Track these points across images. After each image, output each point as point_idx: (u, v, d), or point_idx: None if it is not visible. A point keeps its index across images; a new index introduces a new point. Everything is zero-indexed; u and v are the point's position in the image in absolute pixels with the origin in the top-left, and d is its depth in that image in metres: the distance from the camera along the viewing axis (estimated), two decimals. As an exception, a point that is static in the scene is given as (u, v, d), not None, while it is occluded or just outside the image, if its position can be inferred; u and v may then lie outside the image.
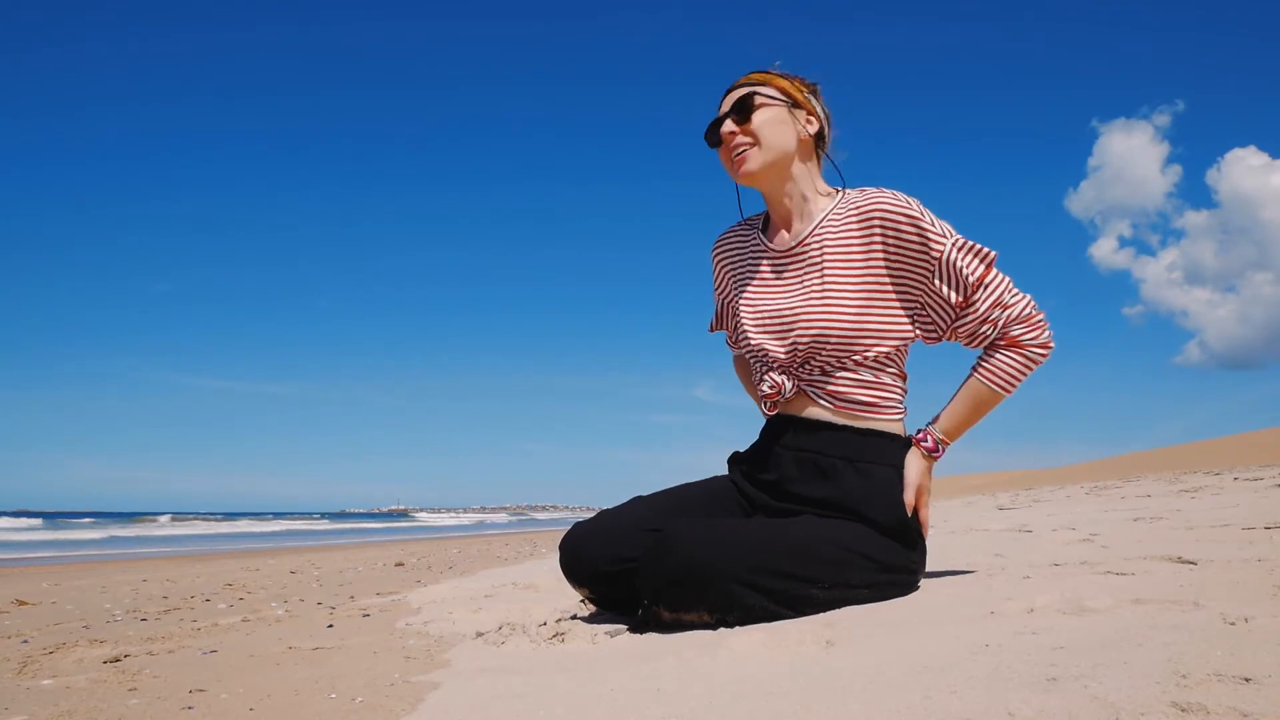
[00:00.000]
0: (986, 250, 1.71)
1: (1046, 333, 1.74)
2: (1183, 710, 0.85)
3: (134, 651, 1.83)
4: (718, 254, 2.00)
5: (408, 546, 9.26)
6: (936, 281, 1.72)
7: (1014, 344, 1.73)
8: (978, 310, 1.73)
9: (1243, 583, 1.53)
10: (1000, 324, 1.72)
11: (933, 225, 1.71)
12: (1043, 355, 1.75)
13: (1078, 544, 2.61)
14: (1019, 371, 1.74)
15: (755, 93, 1.80)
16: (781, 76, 1.84)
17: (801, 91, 1.84)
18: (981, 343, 1.76)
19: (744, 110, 1.79)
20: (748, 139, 1.79)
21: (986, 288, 1.72)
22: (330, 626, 2.13)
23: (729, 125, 1.80)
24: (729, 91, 1.85)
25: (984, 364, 1.75)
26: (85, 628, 2.46)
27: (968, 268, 1.70)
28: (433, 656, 1.58)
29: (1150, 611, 1.33)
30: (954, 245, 1.70)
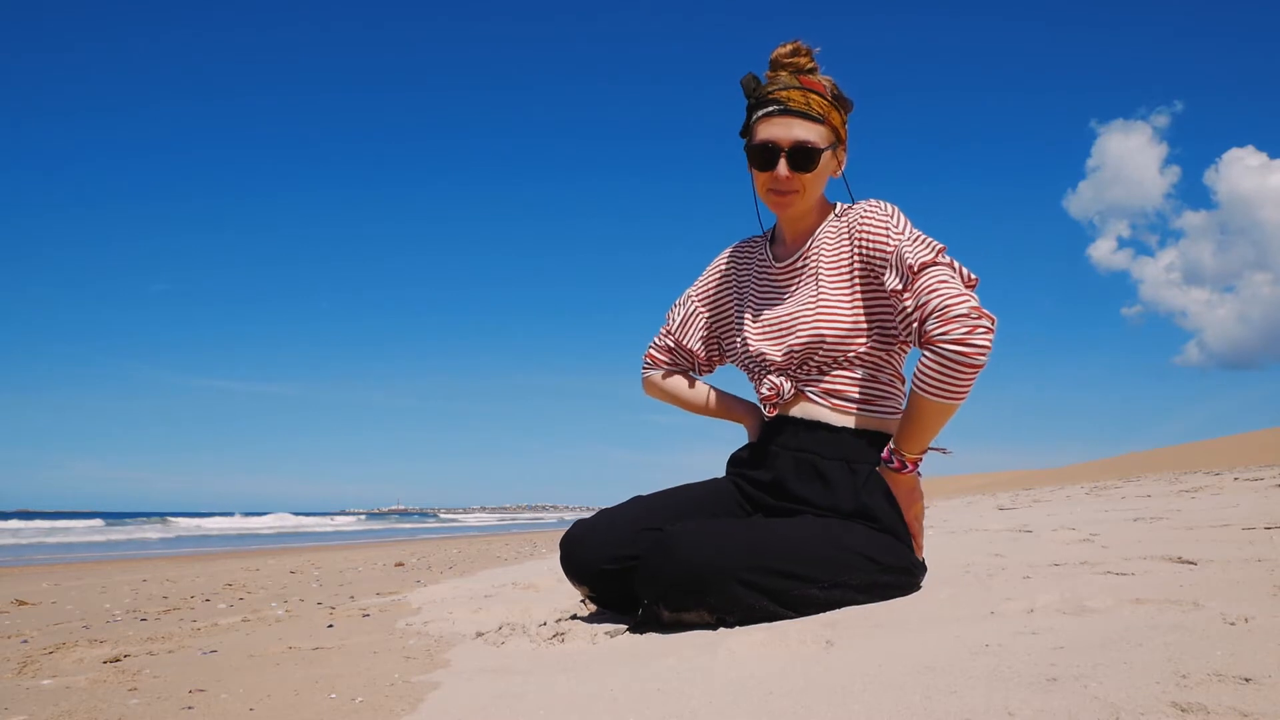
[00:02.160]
0: (935, 243, 1.67)
1: (962, 329, 1.54)
2: (1183, 710, 0.85)
3: (134, 651, 1.83)
4: (726, 266, 2.01)
5: (408, 546, 9.26)
6: (890, 274, 1.68)
7: (929, 342, 1.59)
8: (905, 303, 1.65)
9: (1243, 583, 1.53)
10: (918, 320, 1.61)
11: (897, 225, 1.72)
12: (958, 354, 1.55)
13: (1078, 544, 2.61)
14: (935, 373, 1.58)
15: (817, 148, 1.74)
16: (834, 104, 1.77)
17: (845, 125, 1.81)
18: (915, 341, 1.66)
19: (805, 160, 1.74)
20: (798, 188, 1.77)
21: (921, 276, 1.63)
22: (330, 626, 2.13)
23: (785, 168, 1.74)
24: (781, 100, 1.74)
25: (916, 365, 1.65)
26: (85, 628, 2.46)
27: (911, 254, 1.65)
28: (433, 656, 1.58)
29: (1150, 611, 1.33)
30: (908, 239, 1.68)
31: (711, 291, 2.01)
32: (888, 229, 1.72)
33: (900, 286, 1.65)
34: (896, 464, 1.70)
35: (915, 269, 1.63)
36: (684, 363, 2.06)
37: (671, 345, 2.05)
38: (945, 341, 1.56)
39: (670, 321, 2.06)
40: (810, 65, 1.78)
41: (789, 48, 1.78)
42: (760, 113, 1.77)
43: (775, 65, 1.79)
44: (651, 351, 2.07)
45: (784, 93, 1.75)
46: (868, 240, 1.74)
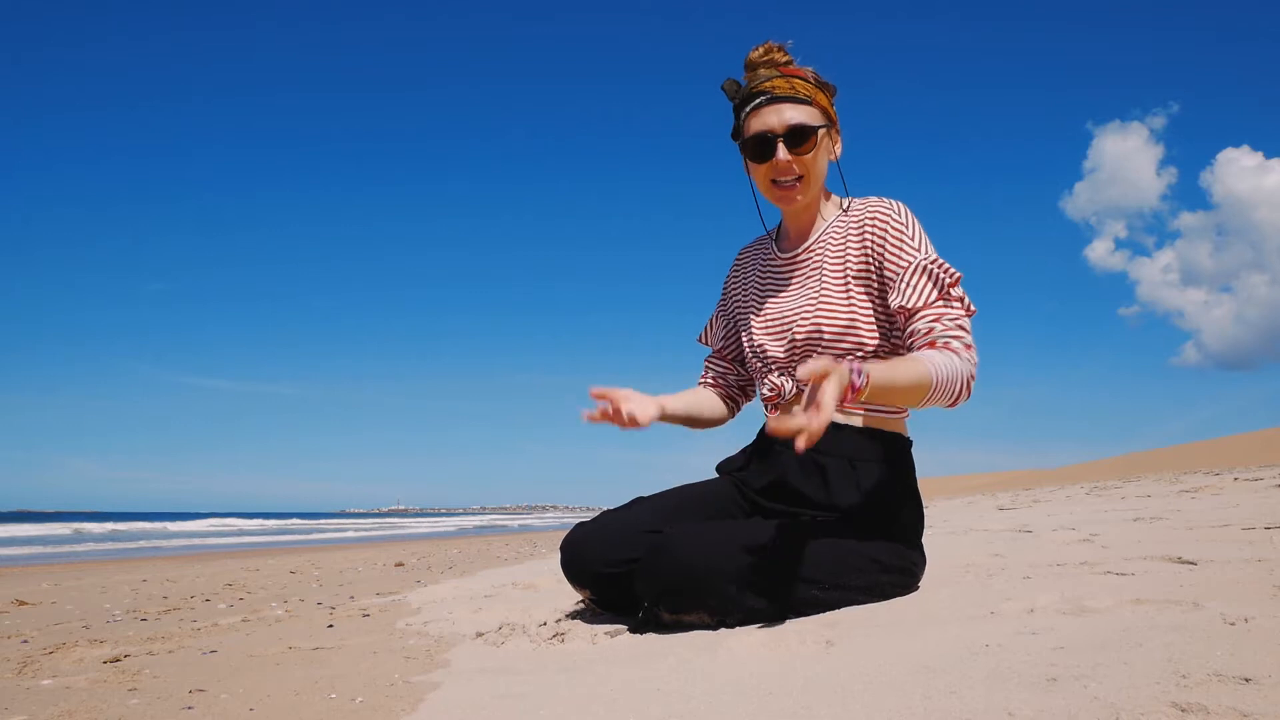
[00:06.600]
0: (951, 269, 1.65)
1: (972, 371, 1.60)
2: (1183, 710, 0.85)
3: (134, 651, 1.83)
4: (734, 267, 2.05)
5: (408, 546, 9.26)
6: (907, 286, 1.66)
7: (953, 351, 1.60)
8: (925, 315, 1.63)
9: (1243, 583, 1.53)
10: (938, 331, 1.61)
11: (913, 239, 1.70)
12: (968, 381, 1.59)
13: (1078, 544, 2.61)
14: (952, 370, 1.56)
15: (811, 126, 1.73)
16: (818, 87, 1.78)
17: (833, 107, 1.81)
18: (915, 339, 1.64)
19: (801, 141, 1.73)
20: (800, 172, 1.76)
21: (937, 306, 1.63)
22: (330, 626, 2.13)
23: (784, 153, 1.74)
24: (766, 90, 1.74)
25: (922, 350, 1.61)
26: (85, 628, 2.46)
27: (925, 285, 1.64)
28: (433, 656, 1.58)
29: (1150, 611, 1.33)
30: (927, 256, 1.67)
31: (727, 297, 2.05)
32: (901, 236, 1.71)
33: (920, 304, 1.64)
34: (860, 380, 1.45)
35: (939, 297, 1.64)
36: (719, 370, 2.06)
37: (711, 354, 2.09)
38: (969, 362, 1.59)
39: (706, 333, 2.11)
40: (786, 59, 1.79)
41: (761, 49, 1.79)
42: (749, 108, 1.77)
43: (751, 66, 1.80)
44: (705, 362, 2.11)
45: (768, 84, 1.76)
46: (883, 242, 1.72)
